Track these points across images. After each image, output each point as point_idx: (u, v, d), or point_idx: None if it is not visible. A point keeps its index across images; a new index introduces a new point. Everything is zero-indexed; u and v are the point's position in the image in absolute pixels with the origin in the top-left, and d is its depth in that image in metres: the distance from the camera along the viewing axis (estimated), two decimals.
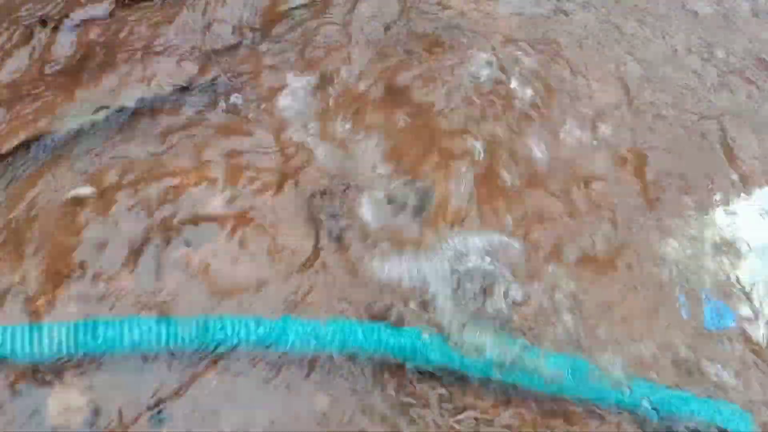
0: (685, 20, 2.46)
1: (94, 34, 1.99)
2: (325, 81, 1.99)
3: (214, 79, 1.94)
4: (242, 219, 1.68)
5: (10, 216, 1.60)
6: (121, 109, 1.82)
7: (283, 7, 2.18)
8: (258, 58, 2.03)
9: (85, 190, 1.64)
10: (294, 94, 1.96)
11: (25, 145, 1.72)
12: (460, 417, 1.50)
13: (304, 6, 2.19)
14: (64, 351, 1.40)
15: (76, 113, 1.78)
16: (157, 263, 1.57)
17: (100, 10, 2.04)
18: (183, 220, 1.65)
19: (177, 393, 1.43)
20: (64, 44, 1.95)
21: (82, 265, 1.54)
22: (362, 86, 2.00)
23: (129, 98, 1.83)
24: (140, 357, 1.45)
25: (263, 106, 1.91)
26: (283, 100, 1.94)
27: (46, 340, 1.39)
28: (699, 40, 2.39)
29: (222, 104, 1.90)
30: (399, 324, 1.57)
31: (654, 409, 1.55)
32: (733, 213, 1.94)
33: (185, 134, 1.82)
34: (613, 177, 1.95)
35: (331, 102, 1.96)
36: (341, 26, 2.15)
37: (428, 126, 1.94)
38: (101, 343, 1.41)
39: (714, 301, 1.76)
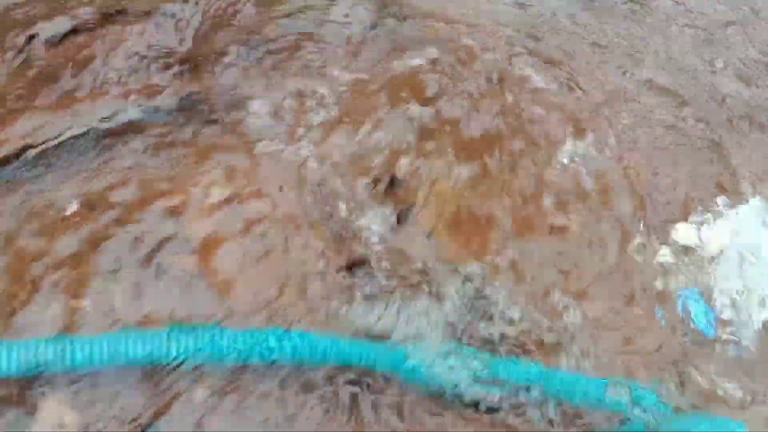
0: None
1: (72, 48, 1.97)
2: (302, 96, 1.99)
3: (192, 95, 1.94)
4: (230, 234, 1.67)
5: None
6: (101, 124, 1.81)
7: (266, 18, 2.19)
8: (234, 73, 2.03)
9: (71, 206, 1.62)
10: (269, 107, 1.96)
11: (5, 160, 1.70)
12: None
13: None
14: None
15: (54, 128, 1.77)
16: (145, 278, 1.55)
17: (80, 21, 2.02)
18: (168, 236, 1.63)
19: (165, 409, 1.41)
20: (44, 58, 1.93)
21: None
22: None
23: (107, 114, 1.83)
24: (128, 373, 1.42)
25: (239, 117, 1.91)
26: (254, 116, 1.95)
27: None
28: None
29: (200, 120, 1.89)
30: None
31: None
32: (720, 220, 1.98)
33: (168, 149, 1.81)
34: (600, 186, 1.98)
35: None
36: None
37: None
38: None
39: (703, 307, 1.78)
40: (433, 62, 2.14)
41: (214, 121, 1.89)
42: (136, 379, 1.42)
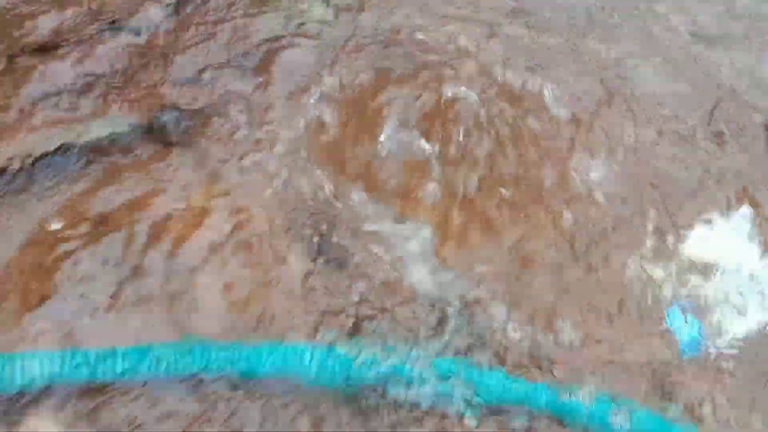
0: None
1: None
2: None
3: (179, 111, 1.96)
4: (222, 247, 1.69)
5: None
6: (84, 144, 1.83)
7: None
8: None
9: (55, 225, 1.64)
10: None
11: None
12: None
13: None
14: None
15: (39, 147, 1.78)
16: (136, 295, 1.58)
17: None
18: (155, 249, 1.65)
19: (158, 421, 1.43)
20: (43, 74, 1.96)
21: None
22: None
23: (90, 133, 1.85)
24: (118, 387, 1.45)
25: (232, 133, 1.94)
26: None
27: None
28: None
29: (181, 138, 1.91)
30: None
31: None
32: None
33: (149, 166, 1.83)
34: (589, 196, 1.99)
35: None
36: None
37: None
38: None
39: (688, 322, 1.78)
40: None
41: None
42: (119, 393, 1.44)
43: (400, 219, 1.84)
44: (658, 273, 1.86)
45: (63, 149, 1.78)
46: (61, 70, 1.96)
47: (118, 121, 1.88)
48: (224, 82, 2.03)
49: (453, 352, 1.61)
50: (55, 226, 1.64)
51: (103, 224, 1.67)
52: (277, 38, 2.18)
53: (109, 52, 2.03)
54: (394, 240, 1.79)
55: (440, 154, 1.98)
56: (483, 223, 1.88)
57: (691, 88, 2.38)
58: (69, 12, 2.09)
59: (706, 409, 1.66)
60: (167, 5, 2.18)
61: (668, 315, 1.78)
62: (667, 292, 1.83)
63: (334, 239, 1.76)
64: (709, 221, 1.99)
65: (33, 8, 2.08)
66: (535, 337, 1.68)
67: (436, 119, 2.05)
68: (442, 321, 1.66)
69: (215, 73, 2.04)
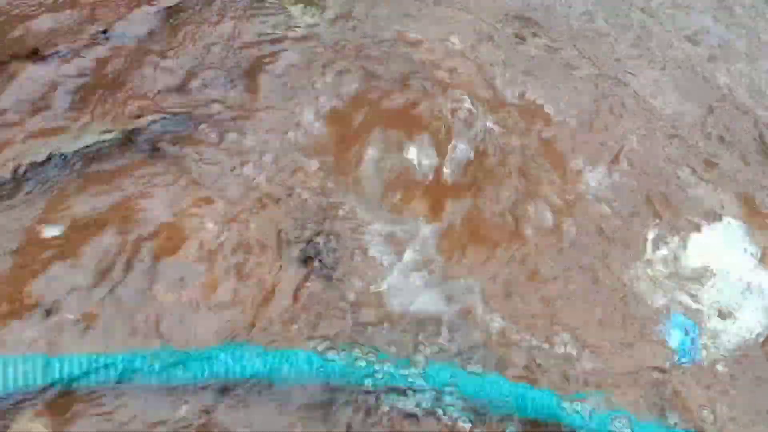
0: None
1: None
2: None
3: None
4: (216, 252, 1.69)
5: None
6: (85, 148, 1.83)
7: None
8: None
9: (53, 230, 1.64)
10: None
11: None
12: None
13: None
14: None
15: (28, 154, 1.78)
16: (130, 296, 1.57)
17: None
18: (152, 255, 1.65)
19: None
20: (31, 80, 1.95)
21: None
22: None
23: (78, 140, 1.84)
24: (107, 390, 1.44)
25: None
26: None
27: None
28: None
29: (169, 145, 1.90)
30: None
31: None
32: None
33: (138, 173, 1.82)
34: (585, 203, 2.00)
35: None
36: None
37: None
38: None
39: (684, 330, 1.78)
40: None
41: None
42: (107, 397, 1.44)
43: (395, 223, 1.83)
44: (654, 279, 1.86)
45: (52, 156, 1.77)
46: (50, 76, 1.95)
47: (106, 127, 1.87)
48: (213, 89, 2.02)
49: (447, 358, 1.61)
50: (47, 232, 1.63)
51: (91, 231, 1.66)
52: (266, 44, 2.17)
53: (99, 58, 2.02)
54: (389, 245, 1.79)
55: (435, 159, 1.97)
56: (480, 227, 1.88)
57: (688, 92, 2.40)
58: (62, 16, 2.09)
59: (704, 416, 1.65)
60: (158, 12, 2.19)
61: (665, 322, 1.78)
62: (663, 298, 1.83)
63: (327, 244, 1.75)
64: (706, 226, 2.00)
65: (27, 11, 2.08)
66: (531, 345, 1.68)
67: (428, 124, 2.05)
68: (436, 327, 1.66)
69: (204, 80, 2.03)
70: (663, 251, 1.92)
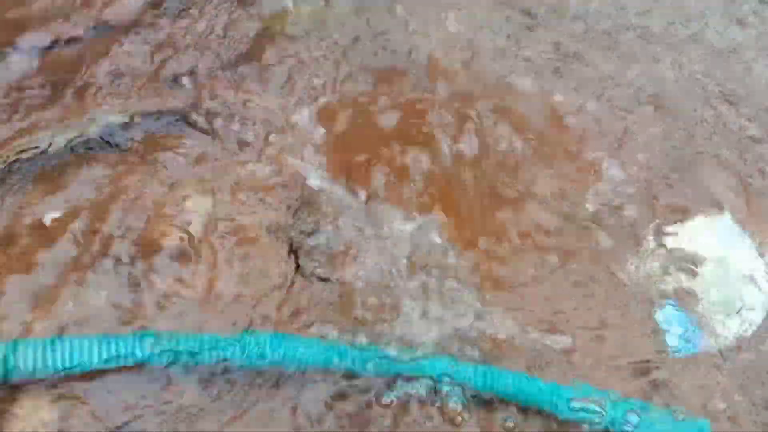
0: None
1: (62, 57, 2.02)
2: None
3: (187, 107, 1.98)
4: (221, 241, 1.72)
5: None
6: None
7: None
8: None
9: (56, 215, 1.67)
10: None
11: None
12: None
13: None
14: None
15: (45, 136, 1.81)
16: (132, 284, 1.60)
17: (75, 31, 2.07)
18: (156, 243, 1.68)
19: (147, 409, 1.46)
20: (31, 66, 1.98)
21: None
22: None
23: (99, 123, 1.87)
24: (107, 374, 1.47)
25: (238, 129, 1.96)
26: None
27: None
28: None
29: (194, 130, 1.94)
30: None
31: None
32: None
33: (155, 159, 1.86)
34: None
35: None
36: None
37: None
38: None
39: (682, 322, 1.79)
40: None
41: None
42: (115, 380, 1.47)
43: (402, 220, 1.85)
44: (650, 270, 1.87)
45: (45, 146, 1.80)
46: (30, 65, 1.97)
47: (98, 119, 1.88)
48: (204, 81, 2.04)
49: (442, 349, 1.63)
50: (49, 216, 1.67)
51: (86, 219, 1.69)
52: (258, 35, 2.20)
53: (91, 50, 2.04)
54: (395, 241, 1.81)
55: (440, 152, 2.00)
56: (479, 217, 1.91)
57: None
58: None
59: (699, 407, 1.66)
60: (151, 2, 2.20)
61: (661, 313, 1.79)
62: (659, 289, 1.84)
63: (327, 239, 1.78)
64: (704, 215, 2.01)
65: None
66: (528, 336, 1.69)
67: (436, 114, 2.08)
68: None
69: (195, 72, 2.05)
70: (660, 240, 1.93)
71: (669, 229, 1.95)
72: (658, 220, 1.97)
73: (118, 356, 1.45)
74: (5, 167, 1.72)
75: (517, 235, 1.88)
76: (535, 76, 2.27)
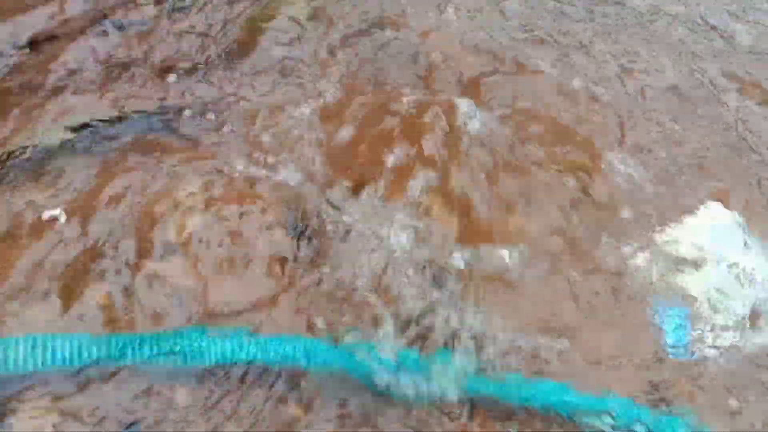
0: None
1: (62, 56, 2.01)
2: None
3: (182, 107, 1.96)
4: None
5: None
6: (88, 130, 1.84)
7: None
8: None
9: (55, 212, 1.66)
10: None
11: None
12: None
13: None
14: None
15: (45, 132, 1.80)
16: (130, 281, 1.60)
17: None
18: (156, 239, 1.67)
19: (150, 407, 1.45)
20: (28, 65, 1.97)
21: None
22: None
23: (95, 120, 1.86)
24: (110, 375, 1.46)
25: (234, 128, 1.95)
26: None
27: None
28: None
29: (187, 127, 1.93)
30: None
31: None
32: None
33: (153, 155, 1.85)
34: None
35: None
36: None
37: None
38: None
39: (677, 322, 1.79)
40: None
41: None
42: (116, 382, 1.46)
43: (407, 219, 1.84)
44: (647, 268, 1.87)
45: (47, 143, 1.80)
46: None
47: (100, 115, 1.88)
48: (202, 77, 2.04)
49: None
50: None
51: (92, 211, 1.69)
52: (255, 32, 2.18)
53: (96, 48, 2.04)
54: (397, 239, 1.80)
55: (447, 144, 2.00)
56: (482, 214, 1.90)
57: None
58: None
59: (697, 404, 1.66)
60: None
61: (659, 313, 1.79)
62: (657, 286, 1.84)
63: (327, 234, 1.77)
64: (702, 213, 2.01)
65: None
66: (527, 336, 1.69)
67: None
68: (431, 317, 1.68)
69: (193, 70, 2.05)
70: (658, 237, 1.93)
71: (669, 228, 1.95)
72: (658, 220, 1.96)
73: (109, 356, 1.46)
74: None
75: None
76: None
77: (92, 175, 1.77)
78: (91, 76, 1.97)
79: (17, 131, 1.81)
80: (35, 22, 2.06)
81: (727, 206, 2.03)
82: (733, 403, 1.67)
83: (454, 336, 1.63)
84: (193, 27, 2.17)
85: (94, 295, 1.56)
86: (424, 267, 1.75)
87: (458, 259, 1.78)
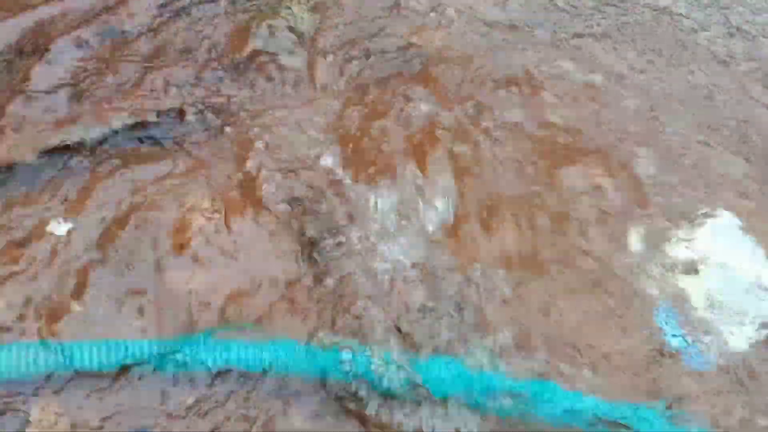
0: None
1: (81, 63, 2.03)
2: None
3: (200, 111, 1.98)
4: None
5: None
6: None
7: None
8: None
9: (62, 228, 1.68)
10: None
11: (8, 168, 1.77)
12: None
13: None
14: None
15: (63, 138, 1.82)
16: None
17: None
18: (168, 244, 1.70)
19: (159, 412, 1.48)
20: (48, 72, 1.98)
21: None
22: None
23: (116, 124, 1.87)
24: (119, 377, 1.49)
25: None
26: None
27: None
28: None
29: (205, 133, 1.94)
30: None
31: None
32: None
33: (168, 162, 1.87)
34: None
35: None
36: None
37: None
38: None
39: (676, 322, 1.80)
40: None
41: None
42: (123, 382, 1.49)
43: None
44: (651, 270, 1.88)
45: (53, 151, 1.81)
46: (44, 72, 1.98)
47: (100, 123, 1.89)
48: (214, 85, 2.05)
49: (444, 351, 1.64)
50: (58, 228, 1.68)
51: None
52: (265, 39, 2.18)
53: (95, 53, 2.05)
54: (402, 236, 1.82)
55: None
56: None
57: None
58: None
59: (699, 409, 1.67)
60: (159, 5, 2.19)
61: (661, 314, 1.80)
62: (659, 290, 1.85)
63: (330, 238, 1.78)
64: (706, 218, 2.01)
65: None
66: (529, 338, 1.70)
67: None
68: (435, 319, 1.69)
69: (205, 77, 2.06)
70: (661, 242, 1.93)
71: (673, 231, 1.96)
72: (661, 222, 1.97)
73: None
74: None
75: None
76: None
77: (88, 186, 1.79)
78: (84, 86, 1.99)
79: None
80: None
81: (739, 215, 2.03)
82: (738, 406, 1.68)
83: (453, 345, 1.65)
84: (192, 29, 2.18)
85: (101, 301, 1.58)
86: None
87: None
